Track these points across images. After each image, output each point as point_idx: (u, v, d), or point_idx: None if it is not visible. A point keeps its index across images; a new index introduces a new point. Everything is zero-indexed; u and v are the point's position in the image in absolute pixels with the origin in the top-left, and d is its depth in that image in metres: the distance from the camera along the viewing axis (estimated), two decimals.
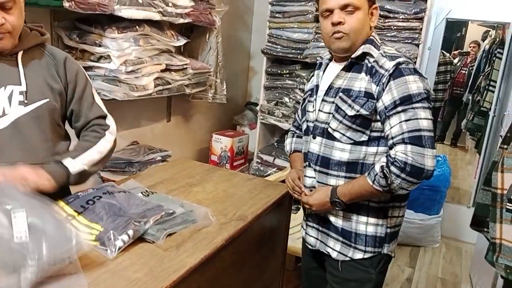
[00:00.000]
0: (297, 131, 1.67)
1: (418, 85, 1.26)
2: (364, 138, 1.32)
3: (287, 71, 2.81)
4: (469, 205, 3.30)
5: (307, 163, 1.45)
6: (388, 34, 2.37)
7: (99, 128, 1.38)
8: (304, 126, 1.50)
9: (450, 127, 4.44)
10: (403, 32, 2.36)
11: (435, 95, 4.03)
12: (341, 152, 1.35)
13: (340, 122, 1.33)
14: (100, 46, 1.94)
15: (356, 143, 1.33)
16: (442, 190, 3.17)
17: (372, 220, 1.37)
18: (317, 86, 1.44)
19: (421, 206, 3.13)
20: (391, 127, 1.27)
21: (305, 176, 1.46)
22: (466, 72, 4.55)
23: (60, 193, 1.33)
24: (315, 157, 1.41)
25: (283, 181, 1.82)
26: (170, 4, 2.17)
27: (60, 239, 0.91)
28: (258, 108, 3.01)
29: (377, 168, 1.27)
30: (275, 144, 3.09)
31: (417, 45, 2.36)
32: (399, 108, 1.25)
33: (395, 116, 1.26)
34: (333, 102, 1.36)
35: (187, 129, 3.04)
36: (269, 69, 2.88)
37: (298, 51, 2.68)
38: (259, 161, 3.00)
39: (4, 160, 1.20)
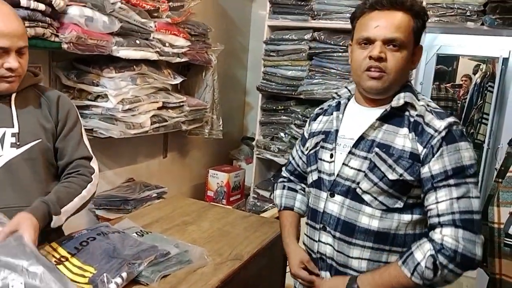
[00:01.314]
0: (292, 178, 1.46)
1: (470, 155, 1.09)
2: (399, 205, 1.12)
3: (282, 107, 2.85)
4: None
5: (321, 225, 1.21)
6: None
7: (86, 171, 1.34)
8: (313, 177, 1.28)
9: None
10: None
11: None
12: (370, 218, 1.13)
13: (375, 184, 1.12)
14: (97, 85, 1.97)
15: (388, 209, 1.13)
16: None
17: None
18: (336, 132, 1.23)
19: None
20: (438, 202, 1.07)
21: (319, 241, 1.22)
22: (459, 104, 4.63)
23: (54, 234, 1.33)
24: (334, 221, 1.18)
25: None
26: (167, 44, 2.23)
27: None
28: (254, 143, 3.03)
29: (419, 256, 1.06)
30: (272, 179, 3.09)
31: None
32: (451, 181, 1.06)
33: (444, 189, 1.07)
34: (366, 158, 1.14)
35: (183, 165, 3.04)
36: (265, 105, 2.92)
37: (293, 88, 2.73)
38: (256, 196, 2.98)
39: None
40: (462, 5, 2.30)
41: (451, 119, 1.10)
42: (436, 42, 3.15)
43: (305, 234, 1.31)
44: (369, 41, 1.12)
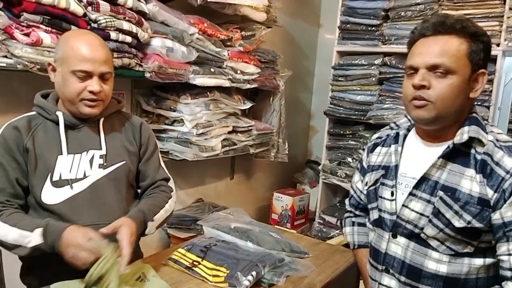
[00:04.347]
0: (357, 212, 1.40)
1: None
2: (469, 250, 1.03)
3: (350, 132, 2.81)
4: None
5: (383, 267, 1.15)
6: None
7: (166, 188, 1.46)
8: (374, 215, 1.21)
9: None
10: None
11: None
12: (438, 263, 1.06)
13: (441, 230, 1.04)
14: (174, 111, 2.08)
15: (457, 254, 1.04)
16: None
17: None
18: (396, 167, 1.16)
19: None
20: (511, 254, 0.98)
21: (380, 284, 1.17)
22: None
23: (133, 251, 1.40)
24: (399, 264, 1.11)
25: (347, 245, 1.75)
26: (238, 72, 2.32)
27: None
28: (320, 167, 3.01)
29: None
30: (338, 204, 3.04)
31: (488, 107, 2.29)
32: None
33: None
34: (429, 201, 1.06)
35: (249, 187, 3.09)
36: (332, 130, 2.90)
37: (362, 113, 2.69)
38: (322, 222, 2.94)
39: (81, 221, 1.25)
40: None
41: None
42: None
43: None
44: (413, 69, 1.06)
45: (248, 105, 2.48)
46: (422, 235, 1.07)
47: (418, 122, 1.10)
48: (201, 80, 2.08)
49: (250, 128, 2.50)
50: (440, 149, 1.08)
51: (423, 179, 1.08)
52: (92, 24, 1.61)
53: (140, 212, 1.29)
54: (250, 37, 2.42)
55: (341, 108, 2.79)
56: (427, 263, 1.06)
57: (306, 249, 1.57)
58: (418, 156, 1.13)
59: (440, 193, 1.04)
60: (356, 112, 2.73)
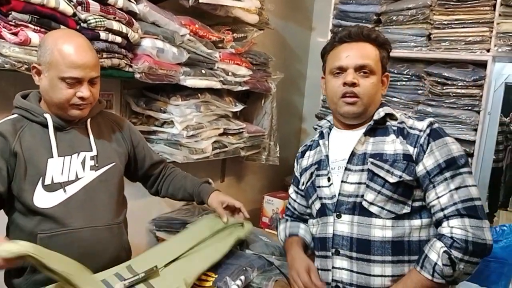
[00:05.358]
0: (292, 219, 1.50)
1: (457, 147, 1.16)
2: (407, 210, 1.16)
3: None
4: None
5: (333, 250, 1.21)
6: (447, 101, 2.34)
7: (172, 167, 1.68)
8: (316, 206, 1.30)
9: None
10: (462, 99, 2.33)
11: (497, 155, 3.89)
12: (383, 230, 1.16)
13: (379, 192, 1.16)
14: (164, 112, 2.06)
15: (398, 217, 1.16)
16: (510, 263, 2.93)
17: None
18: (327, 157, 1.30)
19: (486, 280, 2.89)
20: (439, 197, 1.13)
21: (333, 268, 1.21)
22: None
23: (124, 252, 1.42)
24: (348, 241, 1.18)
25: None
26: (230, 73, 2.30)
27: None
28: None
29: (434, 256, 1.09)
30: None
31: (478, 112, 2.30)
32: (447, 174, 1.13)
33: (442, 183, 1.13)
34: (362, 170, 1.20)
35: (240, 189, 3.08)
36: None
37: None
38: None
39: (75, 224, 1.26)
40: None
41: (430, 119, 1.21)
42: (504, 71, 3.01)
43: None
44: (341, 70, 1.23)
45: (239, 107, 2.47)
46: (363, 203, 1.18)
47: (347, 116, 1.26)
48: (192, 82, 2.06)
49: (241, 130, 2.49)
50: (360, 131, 1.26)
51: (353, 154, 1.23)
52: (82, 24, 1.59)
53: (208, 185, 1.62)
54: (242, 39, 2.41)
55: None
56: (373, 231, 1.16)
57: None
58: (342, 144, 1.29)
59: (370, 159, 1.20)
60: None
